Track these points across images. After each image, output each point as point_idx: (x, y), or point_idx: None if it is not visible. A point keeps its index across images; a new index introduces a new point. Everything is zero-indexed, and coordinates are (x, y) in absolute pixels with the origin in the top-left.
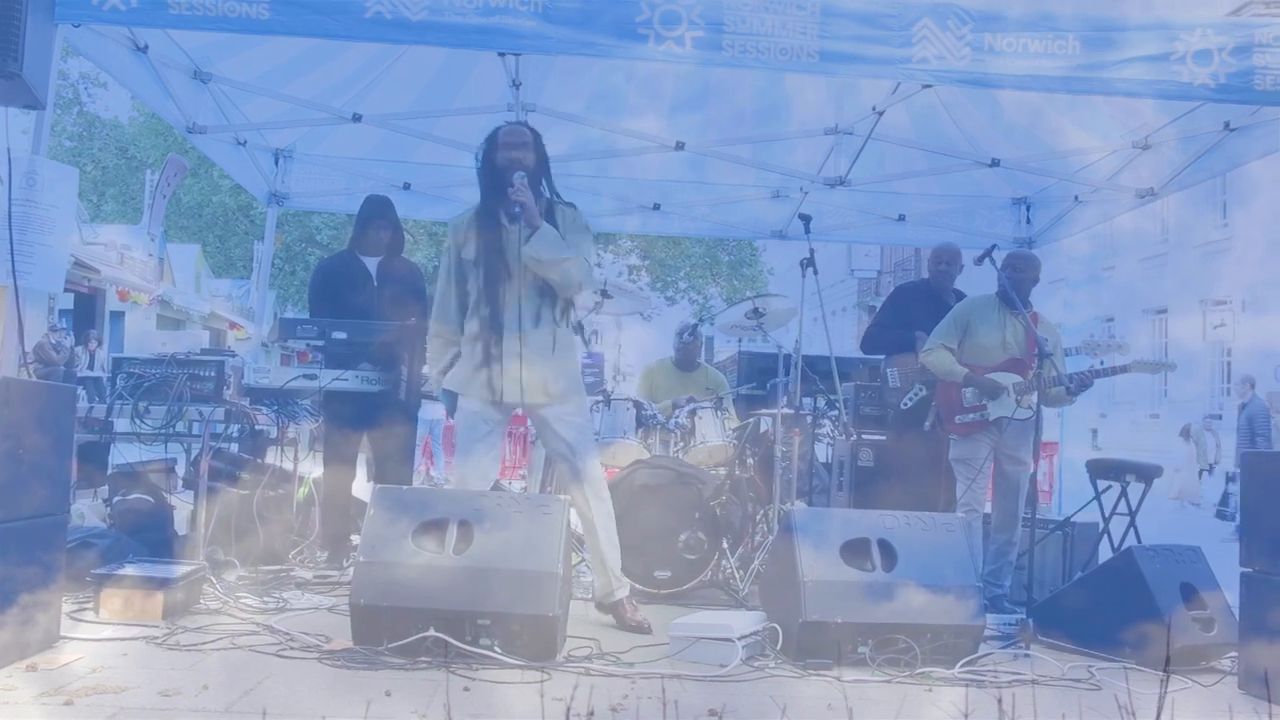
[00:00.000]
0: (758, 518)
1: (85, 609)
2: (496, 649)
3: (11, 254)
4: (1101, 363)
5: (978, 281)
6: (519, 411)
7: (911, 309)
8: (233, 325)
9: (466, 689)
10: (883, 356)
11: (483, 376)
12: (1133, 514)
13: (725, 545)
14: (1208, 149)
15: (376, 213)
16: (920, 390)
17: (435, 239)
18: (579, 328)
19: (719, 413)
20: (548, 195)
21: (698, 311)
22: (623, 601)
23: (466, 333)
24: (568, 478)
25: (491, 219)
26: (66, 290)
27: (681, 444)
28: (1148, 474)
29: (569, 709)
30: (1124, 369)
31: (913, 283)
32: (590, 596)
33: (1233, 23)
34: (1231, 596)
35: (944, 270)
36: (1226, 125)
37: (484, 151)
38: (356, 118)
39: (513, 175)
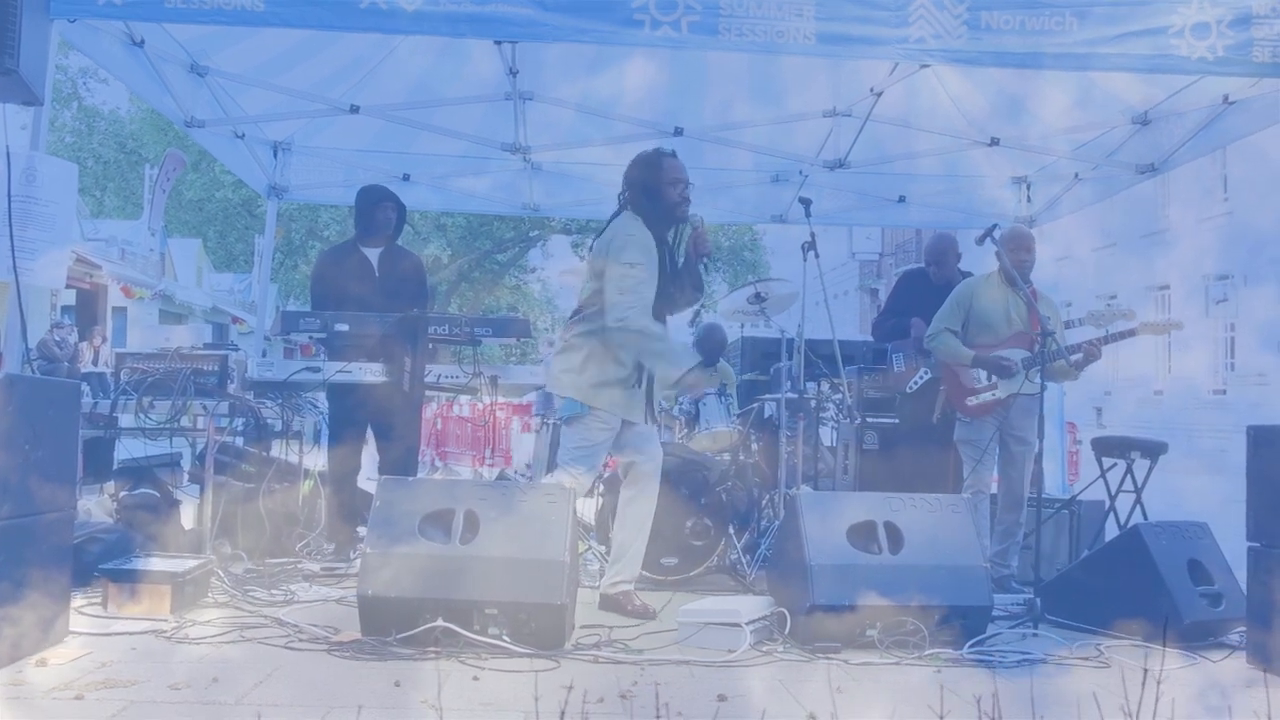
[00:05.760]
0: (763, 502)
1: (94, 604)
2: (505, 638)
3: (13, 250)
4: (1108, 331)
5: (978, 260)
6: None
7: (916, 294)
8: (235, 320)
9: (475, 678)
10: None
11: (636, 397)
12: (1138, 491)
13: (731, 531)
14: (1207, 123)
15: (379, 196)
16: (925, 374)
17: (444, 230)
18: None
19: (723, 399)
20: None
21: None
22: (627, 591)
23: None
24: (632, 470)
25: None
26: (69, 286)
27: (686, 430)
28: (1153, 451)
29: (579, 696)
30: (1131, 333)
31: (918, 268)
32: (597, 585)
33: None
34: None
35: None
36: (1226, 99)
37: (647, 174)
38: (354, 109)
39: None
